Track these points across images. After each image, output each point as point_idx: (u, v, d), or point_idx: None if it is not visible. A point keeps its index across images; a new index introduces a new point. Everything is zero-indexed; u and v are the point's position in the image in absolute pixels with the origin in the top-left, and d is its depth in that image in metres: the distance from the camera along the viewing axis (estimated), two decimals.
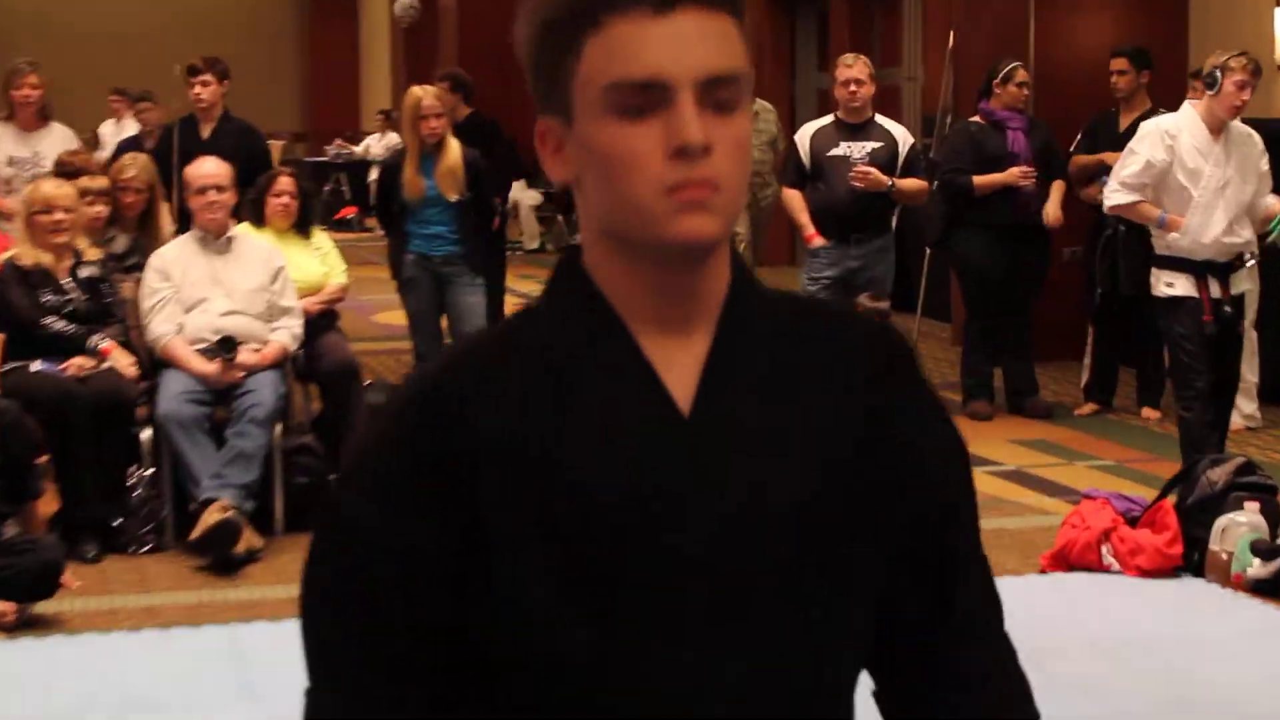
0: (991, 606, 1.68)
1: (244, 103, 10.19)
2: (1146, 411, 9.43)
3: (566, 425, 1.52)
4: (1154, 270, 7.49)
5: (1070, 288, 10.13)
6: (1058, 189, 9.41)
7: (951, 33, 11.90)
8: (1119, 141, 9.27)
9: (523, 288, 11.51)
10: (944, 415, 1.68)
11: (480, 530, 1.51)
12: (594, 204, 1.54)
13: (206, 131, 9.17)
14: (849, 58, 9.11)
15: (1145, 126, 7.67)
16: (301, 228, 8.20)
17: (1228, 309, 7.33)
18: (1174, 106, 9.71)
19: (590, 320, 1.55)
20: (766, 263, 16.43)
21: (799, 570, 1.53)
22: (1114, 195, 7.58)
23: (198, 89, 9.22)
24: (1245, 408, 8.82)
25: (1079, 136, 9.68)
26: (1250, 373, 8.46)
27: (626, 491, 1.50)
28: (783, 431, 1.55)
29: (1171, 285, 7.37)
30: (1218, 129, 7.41)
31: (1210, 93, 7.36)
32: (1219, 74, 7.31)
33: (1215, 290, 7.33)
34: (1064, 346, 10.43)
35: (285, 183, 8.19)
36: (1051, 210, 9.35)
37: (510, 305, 11.23)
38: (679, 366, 1.54)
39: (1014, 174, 9.28)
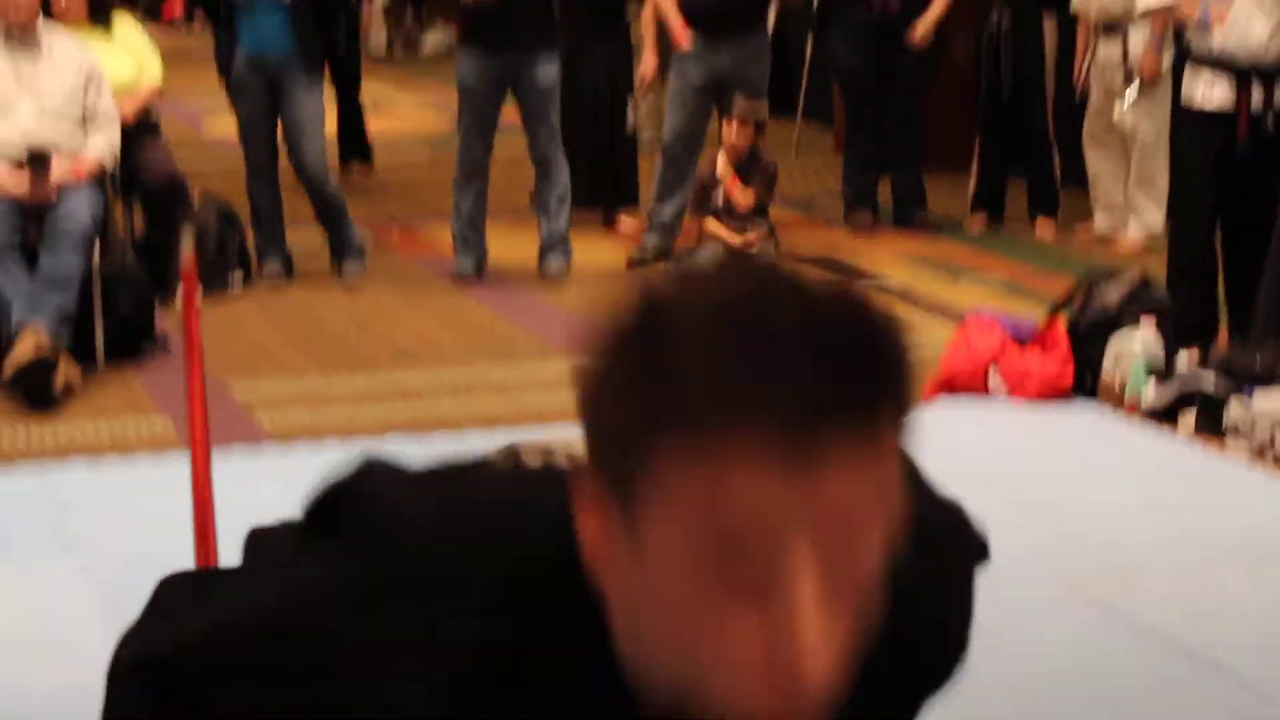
0: None
1: None
2: (1040, 223, 9.47)
3: None
4: (1188, 71, 7.03)
5: (963, 91, 10.08)
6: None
7: None
8: None
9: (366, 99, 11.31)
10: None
11: None
12: (621, 628, 1.15)
13: None
14: None
15: None
16: (99, 17, 7.88)
17: (1270, 127, 6.85)
18: None
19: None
20: None
21: None
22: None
23: None
24: (1151, 218, 8.86)
25: None
26: (1163, 178, 8.42)
27: None
28: None
29: (1209, 90, 6.89)
30: None
31: None
32: None
33: (1257, 101, 6.85)
34: (957, 155, 10.43)
35: None
36: (920, 25, 9.14)
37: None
38: None
39: None
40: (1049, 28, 9.33)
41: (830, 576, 1.06)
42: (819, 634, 1.06)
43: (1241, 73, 6.85)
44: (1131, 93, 8.52)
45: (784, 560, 1.05)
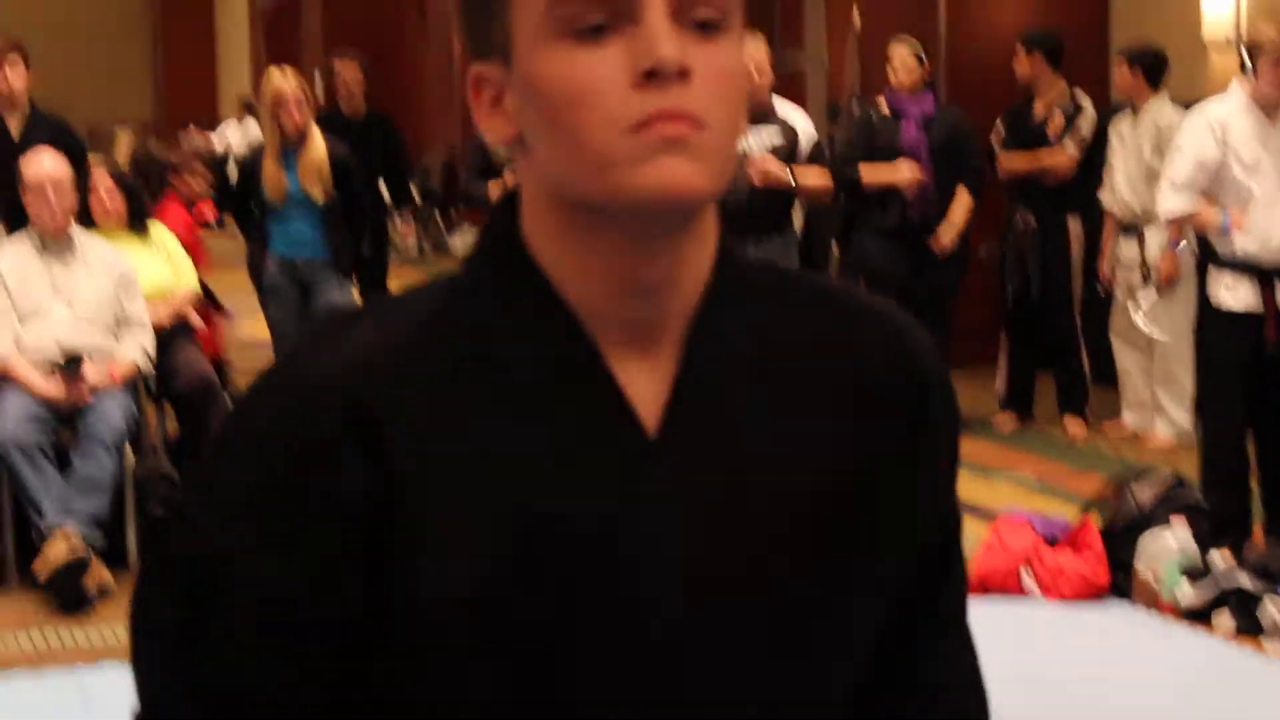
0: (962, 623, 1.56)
1: (91, 92, 10.07)
2: (1069, 422, 9.53)
3: (518, 457, 1.32)
4: (1211, 273, 7.04)
5: (989, 289, 10.20)
6: (959, 203, 9.22)
7: (855, 10, 11.98)
8: (1037, 133, 9.40)
9: None
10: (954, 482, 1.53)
11: (386, 595, 1.33)
12: (541, 161, 1.33)
13: (15, 126, 8.80)
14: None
15: (1189, 118, 7.25)
16: (135, 225, 8.09)
17: None
18: (1096, 91, 9.89)
19: (539, 316, 1.35)
20: None
21: (779, 629, 1.37)
22: (1168, 202, 7.16)
23: (5, 73, 8.75)
24: (1176, 416, 8.93)
25: (999, 128, 9.68)
26: (1186, 376, 8.48)
27: (587, 531, 1.32)
28: (762, 461, 1.36)
29: (1232, 292, 6.91)
30: (1273, 110, 6.92)
31: (1248, 74, 6.89)
32: (1247, 54, 6.92)
33: None
34: (982, 352, 10.53)
35: (99, 176, 8.03)
36: (945, 233, 9.20)
37: None
38: (643, 379, 1.35)
39: (900, 174, 9.15)
40: (1074, 225, 9.47)
41: (675, 13, 1.28)
42: (669, 31, 1.27)
43: (1265, 274, 6.87)
44: (1146, 296, 8.60)
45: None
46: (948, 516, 1.52)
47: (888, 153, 9.25)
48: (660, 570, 1.33)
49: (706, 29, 1.29)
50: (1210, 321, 7.06)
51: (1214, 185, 6.98)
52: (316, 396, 1.32)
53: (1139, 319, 8.66)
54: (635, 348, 1.35)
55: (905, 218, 9.26)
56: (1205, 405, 7.25)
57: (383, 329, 1.36)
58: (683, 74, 1.26)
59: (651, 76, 1.26)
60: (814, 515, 1.38)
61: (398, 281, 11.68)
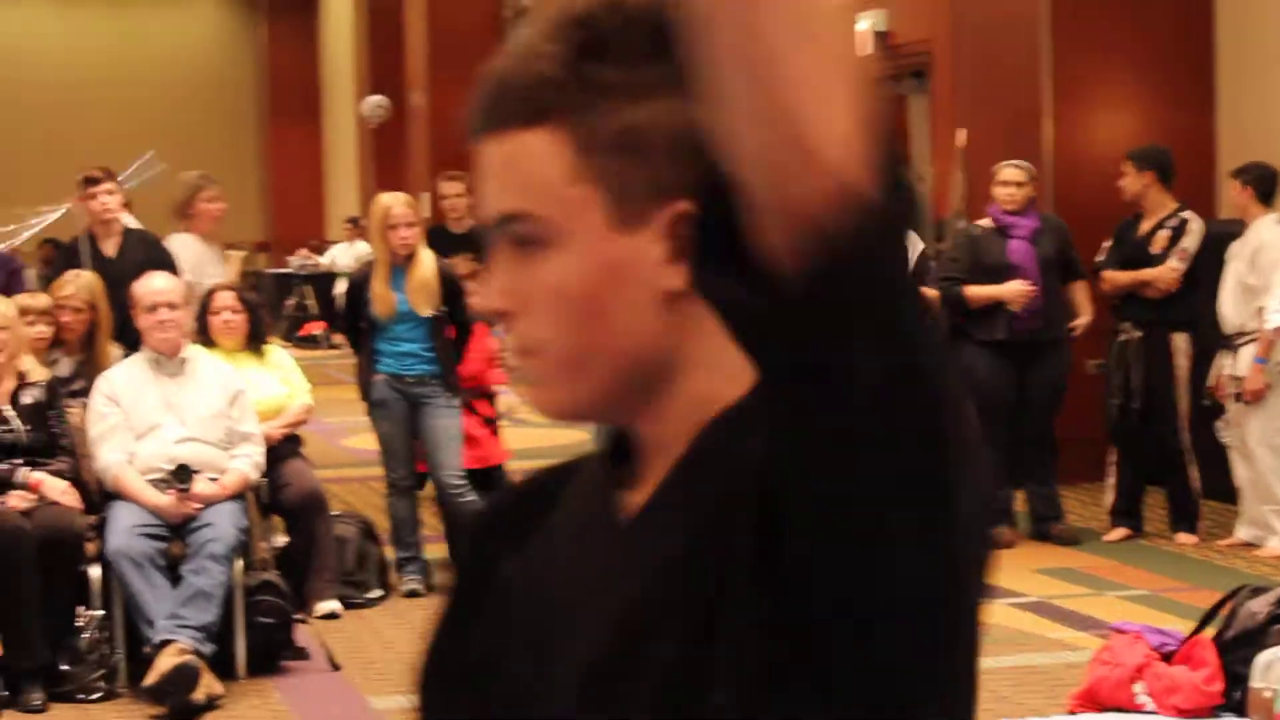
0: None
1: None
2: (1181, 537, 9.43)
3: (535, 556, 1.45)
4: None
5: (1097, 401, 10.14)
6: (1081, 293, 9.38)
7: (960, 129, 12.02)
8: (1141, 249, 9.37)
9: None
10: None
11: None
12: None
13: (111, 247, 9.17)
14: None
15: None
16: (254, 345, 8.23)
17: None
18: (1203, 207, 9.86)
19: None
20: None
21: None
22: (1275, 317, 7.21)
23: (103, 198, 9.19)
24: None
25: (1106, 245, 9.67)
26: None
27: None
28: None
29: None
30: None
31: None
32: None
33: None
34: (1090, 467, 10.44)
35: (224, 298, 8.24)
36: (1081, 319, 9.35)
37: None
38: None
39: (1008, 290, 9.20)
40: (1179, 340, 9.41)
41: (503, 241, 1.32)
42: (498, 273, 1.33)
43: None
44: (1231, 414, 8.57)
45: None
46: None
47: (994, 268, 9.27)
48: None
49: (527, 247, 1.31)
50: None
51: None
52: None
53: (1219, 430, 8.62)
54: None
55: (1013, 331, 9.25)
56: None
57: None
58: (503, 315, 1.33)
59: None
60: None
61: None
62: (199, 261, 9.26)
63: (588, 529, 1.40)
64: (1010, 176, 9.37)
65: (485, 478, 8.90)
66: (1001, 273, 9.26)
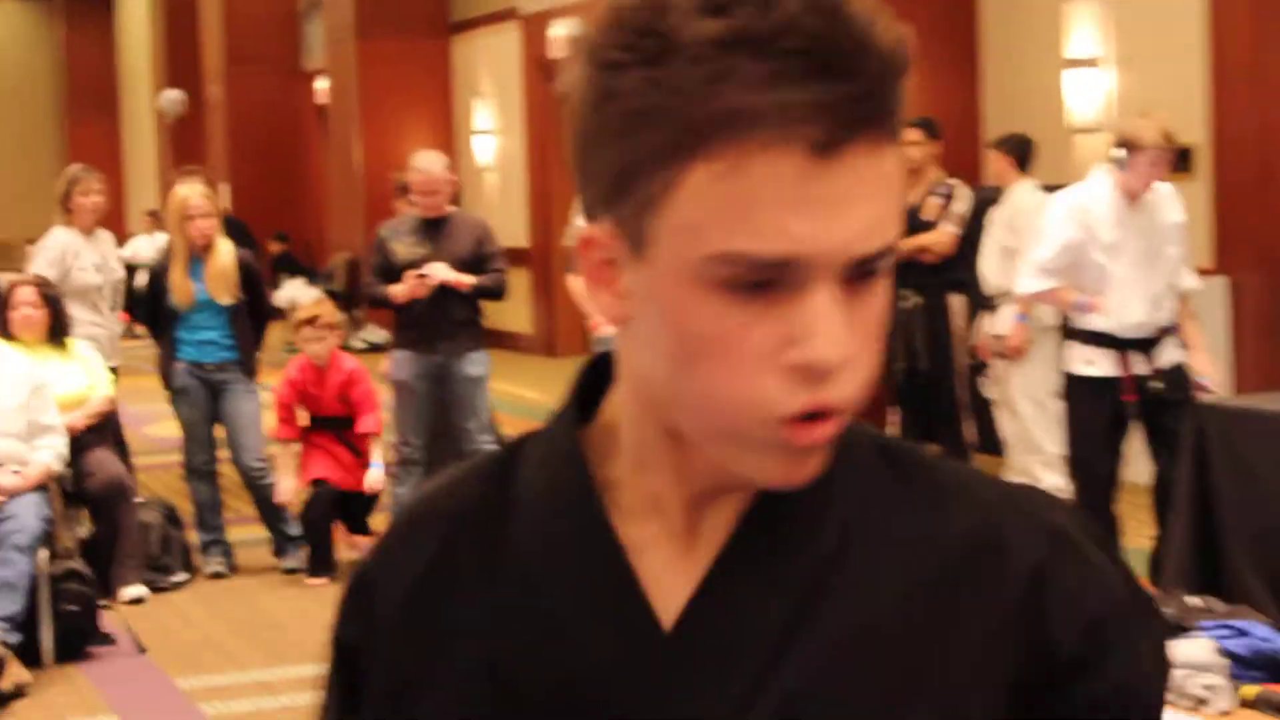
0: None
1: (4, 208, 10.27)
2: None
3: (501, 622, 1.23)
4: (1070, 346, 7.28)
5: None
6: None
7: None
8: (913, 216, 9.71)
9: None
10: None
11: None
12: (656, 381, 1.16)
13: None
14: None
15: (1053, 202, 7.43)
16: (55, 338, 8.29)
17: (1156, 384, 7.09)
18: (969, 175, 10.25)
19: (566, 496, 1.23)
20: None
21: None
22: (1028, 282, 7.34)
23: None
24: (1047, 480, 9.19)
25: None
26: (1051, 443, 8.78)
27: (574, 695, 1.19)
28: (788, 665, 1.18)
29: (1091, 363, 7.15)
30: (1135, 196, 7.12)
31: (1119, 165, 7.05)
32: (1125, 151, 7.02)
33: (1140, 367, 7.11)
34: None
35: (23, 293, 8.23)
36: None
37: None
38: (673, 565, 1.21)
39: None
40: (955, 301, 9.79)
41: (844, 277, 1.10)
42: (835, 321, 1.09)
43: (1120, 344, 7.12)
44: (995, 371, 8.93)
45: (802, 263, 1.08)
46: None
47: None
48: None
49: (866, 278, 1.12)
50: (1074, 389, 7.31)
51: (1072, 266, 7.18)
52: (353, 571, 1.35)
53: (983, 385, 9.00)
54: (671, 531, 1.21)
55: None
56: (1075, 467, 7.49)
57: (429, 492, 1.34)
58: (840, 366, 1.11)
59: (808, 371, 1.09)
60: None
61: None
62: (64, 254, 9.10)
63: (606, 604, 1.20)
64: None
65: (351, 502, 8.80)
66: None
